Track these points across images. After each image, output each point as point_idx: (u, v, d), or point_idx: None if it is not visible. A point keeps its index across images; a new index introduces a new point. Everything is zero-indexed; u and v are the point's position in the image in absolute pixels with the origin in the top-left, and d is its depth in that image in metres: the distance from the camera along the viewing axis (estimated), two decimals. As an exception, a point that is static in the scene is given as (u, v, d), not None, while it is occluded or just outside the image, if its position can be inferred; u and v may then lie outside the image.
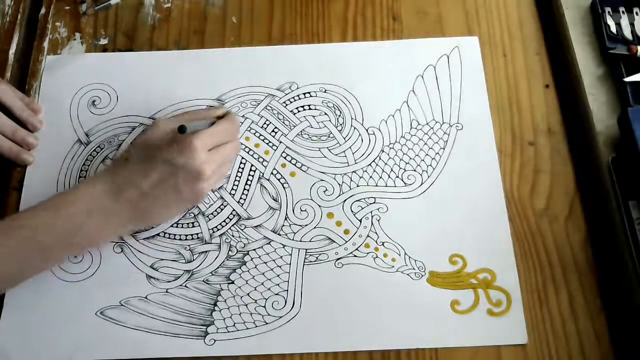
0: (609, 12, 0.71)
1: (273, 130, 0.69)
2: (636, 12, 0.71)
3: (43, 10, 0.78)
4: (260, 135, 0.69)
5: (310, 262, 0.62)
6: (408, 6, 0.76)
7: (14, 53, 0.74)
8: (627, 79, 0.66)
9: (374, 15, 0.76)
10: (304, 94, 0.71)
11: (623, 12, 0.71)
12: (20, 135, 0.68)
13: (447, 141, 0.68)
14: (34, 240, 0.56)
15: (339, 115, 0.70)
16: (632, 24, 0.70)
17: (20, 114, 0.69)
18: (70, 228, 0.57)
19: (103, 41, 0.76)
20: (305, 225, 0.64)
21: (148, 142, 0.60)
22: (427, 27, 0.75)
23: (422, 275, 0.61)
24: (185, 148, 0.58)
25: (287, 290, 0.61)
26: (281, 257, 0.63)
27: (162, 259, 0.63)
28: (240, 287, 0.61)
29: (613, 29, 0.70)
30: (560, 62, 0.72)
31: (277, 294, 0.61)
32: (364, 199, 0.65)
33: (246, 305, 0.60)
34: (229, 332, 0.59)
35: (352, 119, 0.70)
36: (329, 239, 0.63)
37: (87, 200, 0.58)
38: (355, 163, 0.67)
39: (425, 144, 0.68)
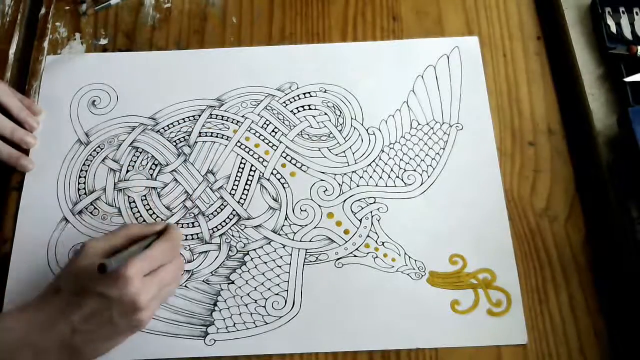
0: (609, 12, 0.71)
1: (273, 130, 0.69)
2: (636, 12, 0.71)
3: (43, 10, 0.78)
4: (260, 135, 0.69)
5: (310, 262, 0.62)
6: (408, 6, 0.76)
7: (14, 53, 0.74)
8: (627, 79, 0.66)
9: (374, 15, 0.76)
10: (304, 94, 0.71)
11: (623, 12, 0.71)
12: (19, 135, 0.68)
13: (447, 141, 0.68)
14: None
15: (339, 115, 0.70)
16: (632, 24, 0.70)
17: (18, 113, 0.68)
18: None
19: (103, 41, 0.76)
20: (305, 225, 0.64)
21: (79, 271, 0.54)
22: (427, 27, 0.75)
23: (422, 275, 0.61)
24: (117, 279, 0.52)
25: (287, 290, 0.61)
26: (281, 257, 0.63)
27: (162, 259, 0.63)
28: (240, 287, 0.61)
29: (613, 29, 0.70)
30: (560, 62, 0.72)
31: (277, 294, 0.61)
32: (364, 199, 0.65)
33: (246, 305, 0.60)
34: (229, 332, 0.59)
35: (352, 119, 0.70)
36: (329, 239, 0.63)
37: (16, 333, 0.52)
38: (355, 163, 0.67)
39: (425, 144, 0.68)
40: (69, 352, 0.54)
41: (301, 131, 0.69)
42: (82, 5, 0.78)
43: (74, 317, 0.53)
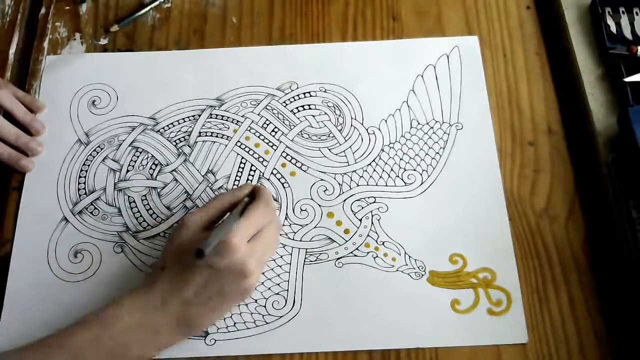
0: (609, 12, 0.71)
1: (273, 130, 0.69)
2: (636, 12, 0.71)
3: (43, 10, 0.78)
4: (260, 135, 0.69)
5: (311, 261, 0.62)
6: (408, 6, 0.76)
7: (14, 53, 0.74)
8: (627, 79, 0.66)
9: (374, 15, 0.76)
10: (304, 93, 0.71)
11: (623, 12, 0.71)
12: (23, 141, 0.68)
13: (447, 141, 0.68)
14: None
15: (339, 115, 0.70)
16: (632, 24, 0.70)
17: (23, 118, 0.68)
18: (117, 346, 0.54)
19: (103, 41, 0.76)
20: (306, 225, 0.64)
21: (182, 247, 0.56)
22: (427, 27, 0.75)
23: (422, 275, 0.61)
24: (224, 248, 0.54)
25: (287, 290, 0.61)
26: (281, 256, 0.63)
27: (162, 259, 0.63)
28: (240, 287, 0.61)
29: (613, 29, 0.70)
30: (560, 62, 0.72)
31: (277, 294, 0.61)
32: (364, 198, 0.65)
33: (246, 305, 0.60)
34: (229, 332, 0.59)
35: (352, 118, 0.70)
36: (329, 238, 0.63)
37: (133, 314, 0.54)
38: (355, 163, 0.67)
39: (425, 143, 0.68)
40: (184, 326, 0.56)
41: (301, 131, 0.69)
42: (82, 6, 0.78)
43: (185, 291, 0.55)
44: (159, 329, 0.55)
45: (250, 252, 0.55)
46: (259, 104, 0.71)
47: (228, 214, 0.59)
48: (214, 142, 0.69)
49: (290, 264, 0.62)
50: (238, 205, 0.58)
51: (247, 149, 0.68)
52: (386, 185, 0.66)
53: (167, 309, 0.55)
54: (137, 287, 0.57)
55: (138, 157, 0.68)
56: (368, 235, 0.63)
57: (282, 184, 0.66)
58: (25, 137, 0.68)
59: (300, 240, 0.63)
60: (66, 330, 0.55)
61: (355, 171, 0.67)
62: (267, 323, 0.60)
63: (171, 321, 0.55)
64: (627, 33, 0.69)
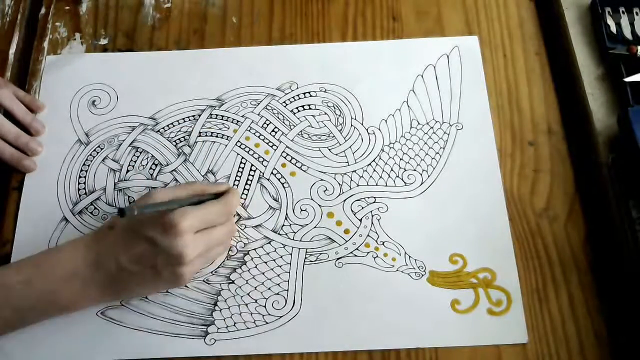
0: (609, 12, 0.71)
1: (273, 130, 0.69)
2: (636, 12, 0.71)
3: (43, 10, 0.78)
4: (260, 135, 0.69)
5: (311, 261, 0.62)
6: (408, 6, 0.76)
7: (14, 53, 0.74)
8: (627, 79, 0.66)
9: (374, 15, 0.76)
10: (304, 93, 0.71)
11: (623, 12, 0.71)
12: (23, 141, 0.68)
13: (447, 141, 0.68)
14: (8, 303, 0.55)
15: (339, 115, 0.70)
16: (632, 24, 0.70)
17: (23, 118, 0.69)
18: (47, 293, 0.56)
19: (103, 41, 0.76)
20: (306, 225, 0.64)
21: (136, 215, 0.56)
22: (427, 27, 0.75)
23: (422, 275, 0.61)
24: (170, 228, 0.54)
25: (287, 290, 0.61)
26: (281, 256, 0.63)
27: (162, 259, 0.63)
28: (240, 287, 0.61)
29: (613, 29, 0.70)
30: (560, 62, 0.72)
31: (277, 294, 0.61)
32: (364, 198, 0.65)
33: (246, 305, 0.60)
34: (229, 331, 0.59)
35: (352, 118, 0.70)
36: (329, 238, 0.63)
37: (67, 265, 0.56)
38: (355, 163, 0.67)
39: (425, 143, 0.68)
40: (111, 288, 0.57)
41: (301, 131, 0.69)
42: (82, 6, 0.78)
43: (122, 255, 0.56)
44: (89, 284, 0.56)
45: (193, 243, 0.55)
46: (259, 104, 0.71)
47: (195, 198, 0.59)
48: (214, 142, 0.69)
49: (290, 264, 0.62)
50: (201, 196, 0.59)
51: (247, 149, 0.68)
52: (386, 185, 0.66)
53: (101, 267, 0.56)
54: (79, 237, 0.59)
55: (138, 157, 0.68)
56: (368, 235, 0.63)
57: (282, 184, 0.66)
58: (26, 136, 0.68)
59: (300, 240, 0.63)
60: (6, 269, 0.57)
61: (355, 171, 0.67)
62: (267, 323, 0.60)
63: (102, 280, 0.56)
64: (627, 33, 0.69)
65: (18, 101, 0.69)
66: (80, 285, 0.56)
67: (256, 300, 0.61)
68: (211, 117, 0.70)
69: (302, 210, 0.65)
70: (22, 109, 0.69)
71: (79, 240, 0.58)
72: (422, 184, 0.66)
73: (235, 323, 0.60)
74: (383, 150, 0.68)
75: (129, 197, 0.66)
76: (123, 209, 0.52)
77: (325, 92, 0.71)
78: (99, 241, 0.57)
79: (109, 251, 0.56)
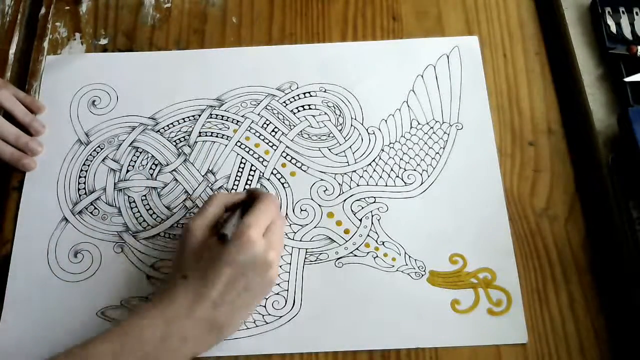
0: (609, 12, 0.71)
1: (273, 130, 0.69)
2: (636, 12, 0.71)
3: (43, 10, 0.78)
4: (260, 135, 0.69)
5: (311, 261, 0.62)
6: (408, 6, 0.76)
7: (14, 53, 0.74)
8: (627, 79, 0.66)
9: (374, 15, 0.76)
10: (304, 93, 0.71)
11: (623, 12, 0.71)
12: (24, 141, 0.68)
13: (447, 141, 0.68)
14: None
15: (339, 115, 0.70)
16: (632, 24, 0.70)
17: (23, 118, 0.68)
18: (144, 358, 0.52)
19: (103, 41, 0.76)
20: (306, 225, 0.64)
21: (198, 250, 0.56)
22: (427, 27, 0.75)
23: (422, 275, 0.61)
24: (244, 244, 0.54)
25: (287, 290, 0.61)
26: (281, 256, 0.63)
27: (162, 259, 0.63)
28: (240, 287, 0.61)
29: (613, 29, 0.70)
30: (560, 62, 0.72)
31: (277, 294, 0.61)
32: (364, 198, 0.65)
33: (246, 305, 0.60)
34: (229, 331, 0.59)
35: (352, 118, 0.70)
36: (329, 238, 0.63)
37: (157, 326, 0.53)
38: (355, 163, 0.67)
39: (425, 143, 0.68)
40: (216, 328, 0.55)
41: (301, 131, 0.69)
42: (82, 6, 0.78)
43: (212, 293, 0.54)
44: (187, 337, 0.54)
45: (267, 244, 0.56)
46: (259, 104, 0.71)
47: (229, 213, 0.59)
48: (214, 142, 0.69)
49: (290, 264, 0.62)
50: (238, 206, 0.59)
51: (247, 149, 0.68)
52: (386, 185, 0.66)
53: (196, 315, 0.54)
54: (157, 296, 0.56)
55: (138, 157, 0.68)
56: (368, 235, 0.63)
57: (282, 184, 0.66)
58: (26, 137, 0.68)
59: (300, 240, 0.63)
60: (91, 341, 0.53)
61: (355, 171, 0.67)
62: (267, 323, 0.60)
63: (201, 327, 0.54)
64: (627, 33, 0.69)
65: (18, 102, 0.69)
66: (179, 342, 0.53)
67: (256, 300, 0.61)
68: (211, 117, 0.70)
69: (302, 210, 0.65)
70: (22, 109, 0.69)
71: (159, 300, 0.55)
72: (422, 184, 0.66)
73: (235, 323, 0.60)
74: (383, 150, 0.68)
75: (128, 197, 0.66)
76: (224, 234, 0.54)
77: (325, 92, 0.71)
78: (180, 294, 0.54)
79: (197, 296, 0.54)
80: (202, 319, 0.54)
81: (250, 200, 0.60)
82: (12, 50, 0.74)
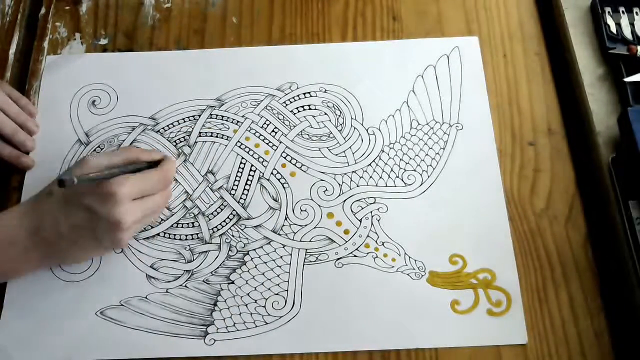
0: (609, 12, 0.71)
1: (273, 130, 0.69)
2: (636, 12, 0.71)
3: (43, 10, 0.78)
4: (260, 135, 0.69)
5: (310, 262, 0.62)
6: (408, 6, 0.76)
7: (14, 53, 0.74)
8: (627, 79, 0.66)
9: (374, 15, 0.76)
10: (304, 94, 0.71)
11: (623, 12, 0.71)
12: (20, 137, 0.67)
13: (447, 141, 0.68)
14: None
15: (339, 115, 0.70)
16: (632, 24, 0.70)
17: (16, 118, 0.68)
18: None
19: (103, 41, 0.76)
20: (305, 225, 0.64)
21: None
22: (427, 27, 0.75)
23: (422, 275, 0.61)
24: (107, 197, 0.56)
25: (287, 290, 0.61)
26: (281, 257, 0.63)
27: (162, 259, 0.63)
28: (240, 287, 0.61)
29: (613, 29, 0.70)
30: (560, 62, 0.72)
31: (277, 294, 0.61)
32: (364, 199, 0.65)
33: (246, 305, 0.60)
34: (229, 332, 0.59)
35: (352, 119, 0.70)
36: (329, 239, 0.63)
37: (5, 232, 0.57)
38: (355, 163, 0.67)
39: (425, 144, 0.68)
40: (51, 254, 0.59)
41: (301, 131, 0.69)
42: (82, 6, 0.78)
43: (62, 222, 0.57)
44: (28, 251, 0.58)
45: (131, 209, 0.57)
46: (259, 104, 0.71)
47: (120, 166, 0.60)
48: (214, 142, 0.69)
49: (290, 264, 0.62)
50: (137, 164, 0.60)
51: (247, 149, 0.68)
52: (386, 186, 0.66)
53: (40, 234, 0.57)
54: (17, 205, 0.60)
55: (138, 157, 0.68)
56: (368, 235, 0.63)
57: (282, 184, 0.66)
58: (23, 133, 0.68)
59: (300, 241, 0.63)
60: None
61: (355, 171, 0.67)
62: (266, 323, 0.60)
63: (40, 246, 0.58)
64: (627, 33, 0.69)
65: (11, 101, 0.68)
66: (19, 253, 0.57)
67: (256, 301, 0.61)
68: (211, 117, 0.70)
69: (302, 210, 0.65)
70: (16, 109, 0.68)
71: (16, 208, 0.60)
72: (422, 184, 0.66)
73: (235, 323, 0.60)
74: (383, 151, 0.68)
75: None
76: (63, 180, 0.53)
77: (325, 92, 0.71)
78: (38, 208, 0.58)
79: (48, 218, 0.57)
80: (44, 241, 0.57)
81: (152, 166, 0.61)
82: (12, 50, 0.74)
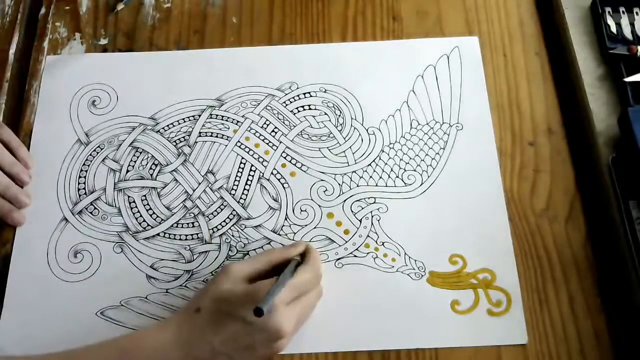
0: (609, 12, 0.71)
1: (273, 130, 0.69)
2: (636, 12, 0.71)
3: (43, 10, 0.78)
4: (260, 135, 0.69)
5: (310, 262, 0.62)
6: (408, 6, 0.76)
7: (14, 53, 0.74)
8: (627, 79, 0.66)
9: (374, 15, 0.76)
10: (304, 94, 0.71)
11: (623, 12, 0.71)
12: (13, 192, 0.64)
13: (447, 141, 0.68)
14: None
15: (339, 115, 0.70)
16: (632, 24, 0.70)
17: (10, 169, 0.65)
18: None
19: (103, 41, 0.76)
20: (305, 225, 0.64)
21: (221, 294, 0.54)
22: (427, 27, 0.75)
23: (422, 275, 0.61)
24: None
25: (287, 290, 0.61)
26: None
27: (162, 259, 0.63)
28: (240, 287, 0.61)
29: (613, 29, 0.70)
30: (560, 62, 0.72)
31: (277, 294, 0.61)
32: (364, 199, 0.65)
33: (246, 305, 0.60)
34: (229, 332, 0.59)
35: (352, 119, 0.70)
36: (329, 239, 0.63)
37: (155, 348, 0.53)
38: (355, 163, 0.67)
39: (425, 144, 0.68)
40: None
41: (301, 131, 0.69)
42: (82, 6, 0.78)
43: (214, 338, 0.53)
44: None
45: (289, 315, 0.54)
46: (259, 104, 0.71)
47: (276, 280, 0.55)
48: (214, 142, 0.69)
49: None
50: (290, 264, 0.57)
51: (247, 149, 0.68)
52: (386, 186, 0.66)
53: (192, 351, 0.53)
54: (162, 321, 0.57)
55: (138, 157, 0.68)
56: (368, 235, 0.63)
57: (282, 184, 0.66)
58: (15, 188, 0.65)
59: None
60: (85, 349, 0.53)
61: (355, 171, 0.67)
62: (267, 323, 0.59)
63: None
64: (627, 33, 0.69)
65: (6, 151, 0.66)
66: None
67: (256, 301, 0.61)
68: (211, 117, 0.70)
69: (302, 210, 0.65)
70: (10, 159, 0.65)
71: (163, 323, 0.56)
72: (422, 184, 0.66)
73: (235, 323, 0.60)
74: (383, 151, 0.68)
75: (128, 197, 0.66)
76: (261, 309, 0.49)
77: (325, 92, 0.71)
78: (187, 325, 0.54)
79: (200, 335, 0.53)
80: (196, 357, 0.53)
81: (302, 259, 0.58)
82: (12, 50, 0.74)
